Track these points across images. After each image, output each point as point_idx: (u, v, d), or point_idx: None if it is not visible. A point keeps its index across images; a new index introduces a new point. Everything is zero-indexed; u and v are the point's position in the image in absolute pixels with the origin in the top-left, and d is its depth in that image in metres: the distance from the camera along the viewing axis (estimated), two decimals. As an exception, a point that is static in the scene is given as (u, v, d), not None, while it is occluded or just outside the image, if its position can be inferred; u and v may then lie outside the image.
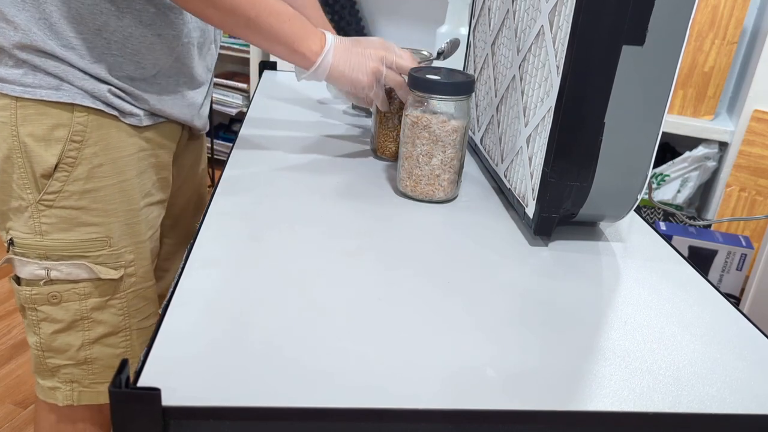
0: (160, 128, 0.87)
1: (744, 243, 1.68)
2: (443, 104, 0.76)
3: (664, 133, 0.66)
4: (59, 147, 0.77)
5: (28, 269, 0.81)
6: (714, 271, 1.70)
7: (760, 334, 0.59)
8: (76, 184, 0.79)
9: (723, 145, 1.86)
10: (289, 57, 0.83)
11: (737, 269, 1.69)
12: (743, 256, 1.67)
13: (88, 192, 0.80)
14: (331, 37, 0.84)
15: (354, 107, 1.14)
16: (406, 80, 0.82)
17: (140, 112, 0.83)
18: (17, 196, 0.80)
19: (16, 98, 0.76)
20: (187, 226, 1.06)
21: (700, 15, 1.75)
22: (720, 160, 1.89)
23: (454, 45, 0.97)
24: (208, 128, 0.98)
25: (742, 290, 1.68)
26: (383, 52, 0.85)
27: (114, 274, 0.83)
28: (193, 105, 0.90)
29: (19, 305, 0.85)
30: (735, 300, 1.69)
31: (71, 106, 0.78)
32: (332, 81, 0.85)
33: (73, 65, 0.77)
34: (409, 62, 0.86)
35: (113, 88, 0.79)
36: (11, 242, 0.82)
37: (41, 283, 0.81)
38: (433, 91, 0.76)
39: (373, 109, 0.93)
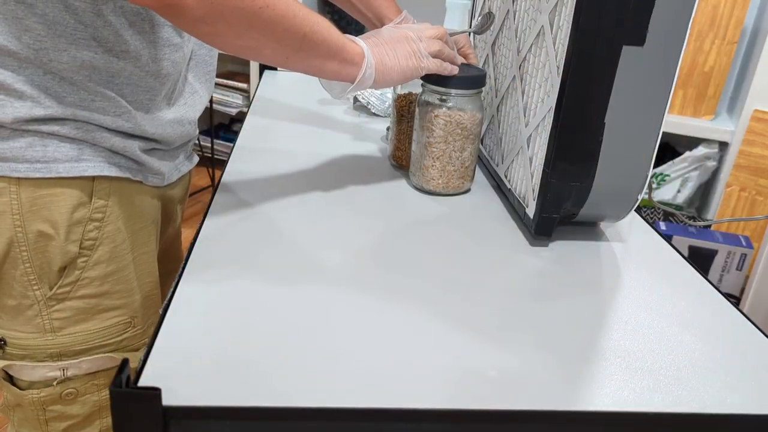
0: (178, 180, 0.78)
1: (744, 243, 1.68)
2: (471, 99, 0.79)
3: (664, 133, 0.66)
4: (79, 231, 0.63)
5: (39, 373, 0.67)
6: (714, 271, 1.69)
7: (760, 334, 0.59)
8: (97, 269, 0.66)
9: (723, 145, 1.86)
10: (340, 71, 0.68)
11: (737, 269, 1.69)
12: (743, 256, 1.67)
13: (111, 274, 0.67)
14: (354, 36, 0.71)
15: (356, 107, 1.14)
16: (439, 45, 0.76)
17: (165, 170, 0.72)
18: (16, 294, 0.65)
19: (18, 179, 0.59)
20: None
21: (700, 15, 1.75)
22: (720, 160, 1.89)
23: (487, 18, 0.89)
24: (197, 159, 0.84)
25: (742, 290, 1.68)
26: (406, 32, 0.73)
27: (138, 358, 0.68)
28: (193, 122, 0.79)
29: (12, 405, 0.70)
30: (735, 300, 1.69)
31: (92, 179, 0.63)
32: (383, 80, 0.71)
33: (96, 123, 0.62)
34: (432, 28, 0.75)
35: (142, 143, 0.67)
36: (2, 341, 0.67)
37: (54, 383, 0.67)
38: (468, 86, 0.78)
39: (393, 121, 0.88)
